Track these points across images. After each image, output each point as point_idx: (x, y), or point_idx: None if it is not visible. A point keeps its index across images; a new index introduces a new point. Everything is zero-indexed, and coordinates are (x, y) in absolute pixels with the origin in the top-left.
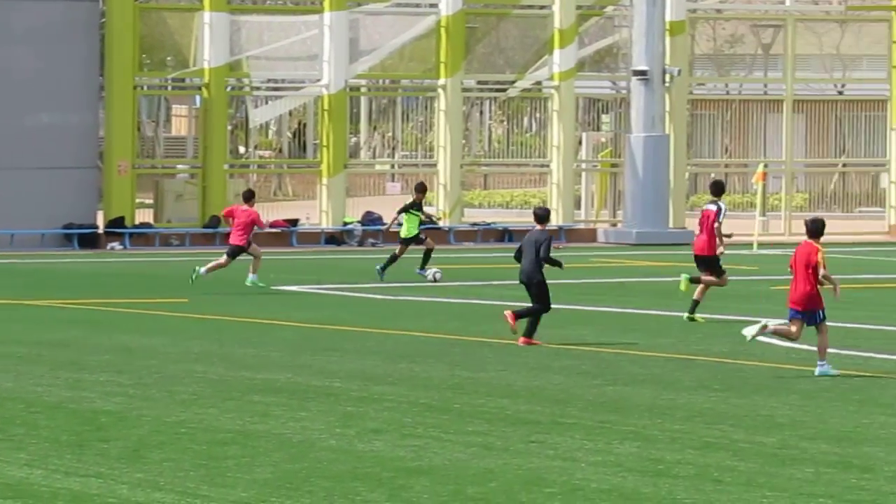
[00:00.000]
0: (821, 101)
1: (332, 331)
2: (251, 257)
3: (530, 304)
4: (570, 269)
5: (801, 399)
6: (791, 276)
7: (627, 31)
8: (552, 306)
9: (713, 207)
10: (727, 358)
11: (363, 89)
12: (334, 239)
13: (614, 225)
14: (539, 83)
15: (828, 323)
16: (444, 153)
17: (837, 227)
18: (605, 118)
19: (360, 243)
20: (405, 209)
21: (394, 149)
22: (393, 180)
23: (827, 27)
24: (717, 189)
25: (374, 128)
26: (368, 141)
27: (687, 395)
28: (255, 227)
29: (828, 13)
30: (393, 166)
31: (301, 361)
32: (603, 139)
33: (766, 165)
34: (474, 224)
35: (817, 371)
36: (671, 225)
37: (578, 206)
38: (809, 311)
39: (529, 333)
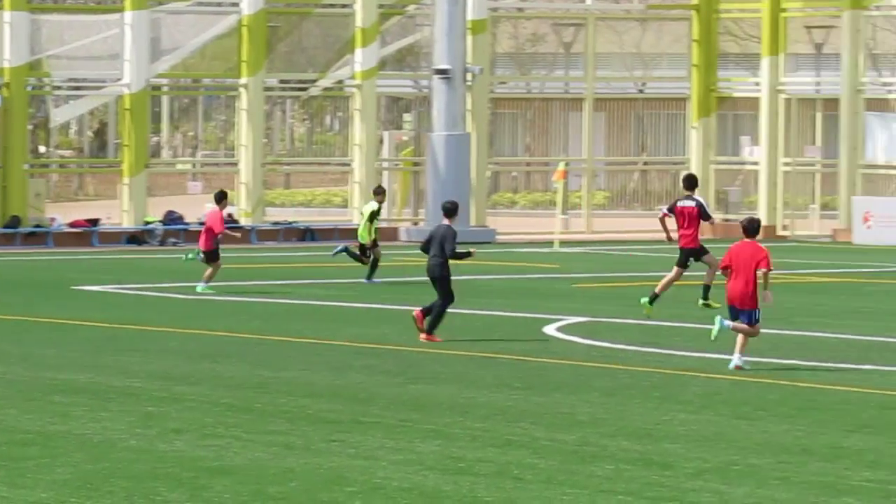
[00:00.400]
0: (621, 100)
1: (134, 331)
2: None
3: (434, 313)
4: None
5: (601, 396)
6: (727, 276)
7: (429, 29)
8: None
9: (691, 203)
10: (528, 356)
11: (165, 88)
12: (136, 238)
13: (416, 223)
14: (341, 82)
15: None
16: (245, 152)
17: (638, 226)
18: (406, 117)
19: (162, 243)
20: (375, 215)
21: (195, 148)
22: (194, 179)
23: (627, 26)
24: (691, 183)
25: (176, 127)
26: (170, 140)
27: (488, 394)
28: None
29: (628, 12)
30: (194, 165)
31: (102, 362)
32: (405, 138)
33: (567, 164)
34: (276, 223)
35: (732, 364)
36: (472, 223)
37: None
38: (748, 311)
39: (431, 329)
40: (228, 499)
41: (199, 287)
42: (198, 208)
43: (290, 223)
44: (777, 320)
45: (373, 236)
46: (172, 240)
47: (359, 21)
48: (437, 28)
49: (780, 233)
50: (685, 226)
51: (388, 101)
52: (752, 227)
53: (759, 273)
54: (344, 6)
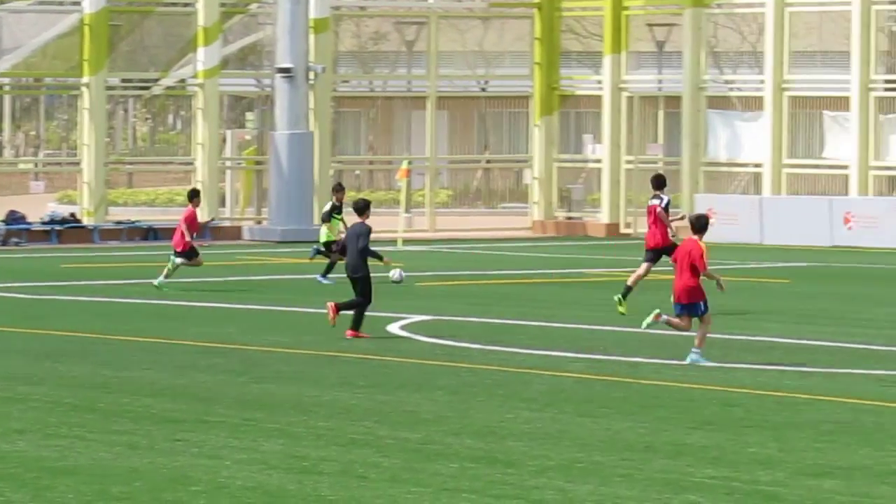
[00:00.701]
0: (464, 98)
1: None
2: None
3: (355, 314)
4: (215, 266)
5: (445, 394)
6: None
7: (271, 28)
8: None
9: (657, 202)
10: (372, 354)
11: (6, 87)
12: None
13: (259, 222)
14: (183, 81)
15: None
16: (88, 151)
17: (481, 224)
18: (249, 116)
19: (4, 242)
20: (329, 216)
21: (37, 147)
22: (36, 179)
23: (470, 24)
24: (659, 182)
25: (18, 126)
26: (12, 140)
27: (332, 392)
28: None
29: (471, 10)
30: (37, 165)
31: None
32: (247, 136)
33: (410, 162)
34: (119, 223)
35: (688, 359)
36: (316, 222)
37: (223, 204)
38: (692, 304)
39: (356, 326)
40: (72, 499)
41: (157, 281)
42: (40, 207)
43: (132, 222)
44: (620, 318)
45: (334, 237)
46: (15, 239)
47: (201, 20)
48: (279, 27)
49: (624, 230)
50: (653, 224)
51: (230, 100)
52: (697, 224)
53: (702, 275)
54: (186, 5)
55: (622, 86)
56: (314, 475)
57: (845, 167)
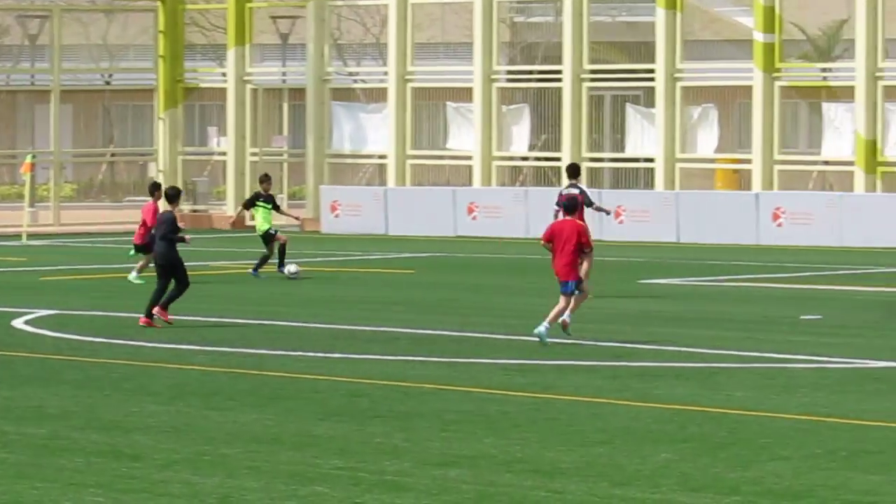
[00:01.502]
0: (88, 91)
1: None
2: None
3: (171, 292)
4: None
5: (71, 389)
6: (551, 251)
7: None
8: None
9: (576, 191)
10: None
11: None
12: None
13: None
14: None
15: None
16: None
17: (106, 218)
18: None
19: None
20: (251, 203)
21: None
22: None
23: (93, 17)
24: (575, 171)
25: None
26: None
27: None
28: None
29: (94, 3)
30: None
31: None
32: None
33: (34, 156)
34: None
35: (538, 329)
36: None
37: None
38: (573, 281)
39: (165, 305)
40: None
41: (132, 276)
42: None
43: None
44: (244, 311)
45: (269, 225)
46: None
47: None
48: None
49: (249, 223)
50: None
51: None
52: (570, 205)
53: (586, 252)
54: None
55: (246, 78)
56: None
57: (469, 158)
